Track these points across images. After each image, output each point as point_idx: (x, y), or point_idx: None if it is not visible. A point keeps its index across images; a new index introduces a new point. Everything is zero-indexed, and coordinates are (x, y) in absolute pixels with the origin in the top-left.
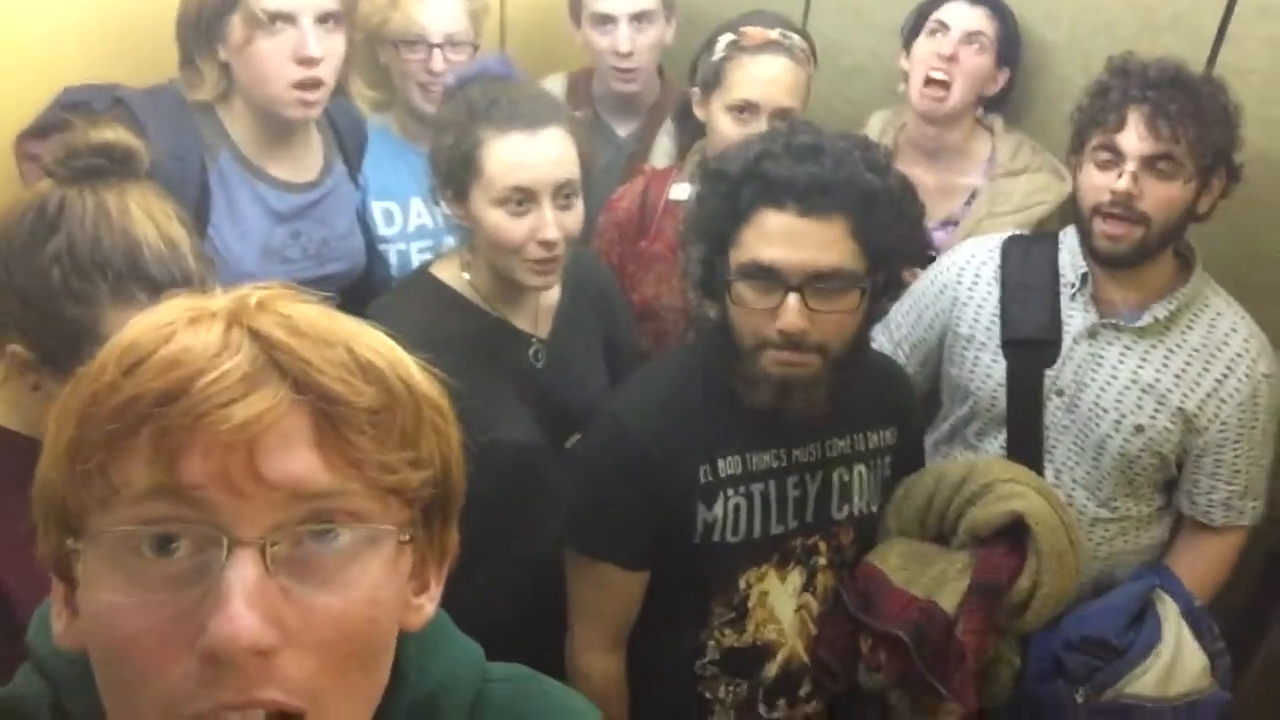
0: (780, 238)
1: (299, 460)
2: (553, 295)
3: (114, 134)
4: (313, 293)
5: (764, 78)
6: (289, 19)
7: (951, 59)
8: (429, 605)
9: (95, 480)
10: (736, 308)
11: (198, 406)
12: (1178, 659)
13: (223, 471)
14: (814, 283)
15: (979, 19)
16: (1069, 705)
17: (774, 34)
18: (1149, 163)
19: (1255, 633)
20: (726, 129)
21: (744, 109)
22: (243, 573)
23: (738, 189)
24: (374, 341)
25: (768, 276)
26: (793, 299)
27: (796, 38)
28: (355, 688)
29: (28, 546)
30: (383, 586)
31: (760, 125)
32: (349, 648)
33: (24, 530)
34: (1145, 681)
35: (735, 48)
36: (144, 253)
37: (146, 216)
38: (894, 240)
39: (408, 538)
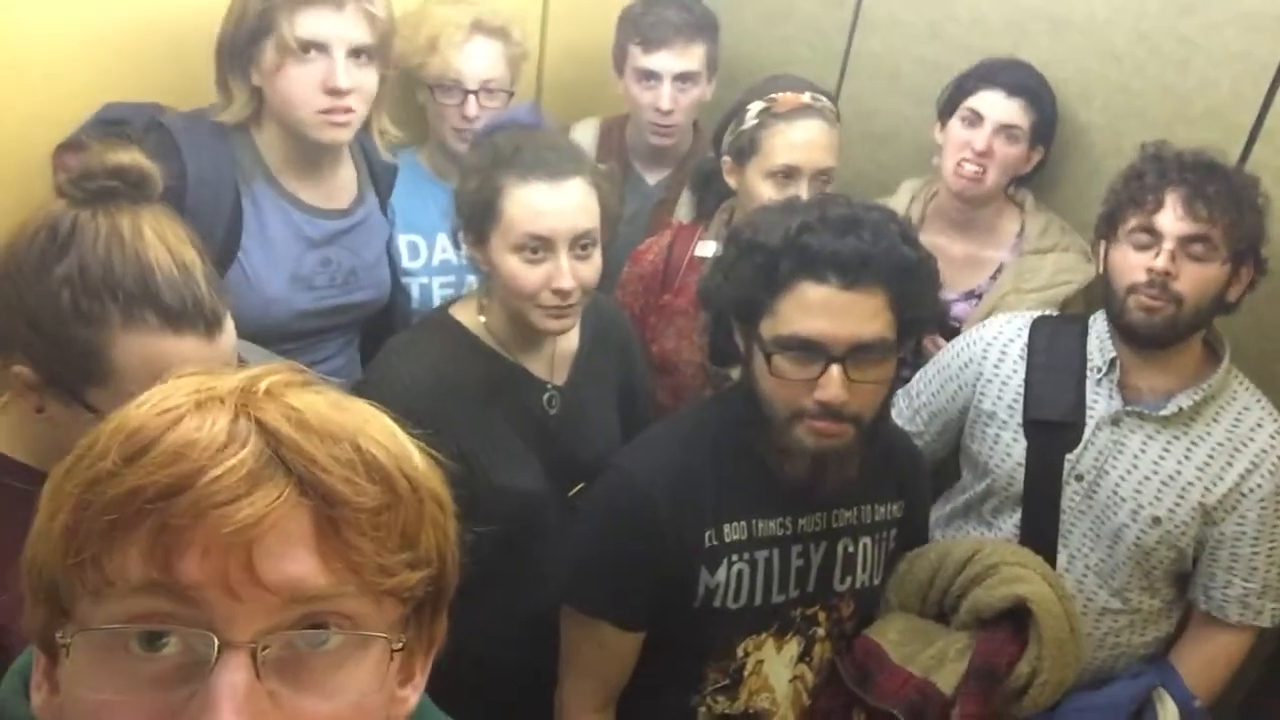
0: (822, 310)
1: (298, 563)
2: (571, 343)
3: (129, 157)
4: (323, 379)
5: (803, 142)
6: (322, 48)
7: (985, 154)
8: (414, 696)
9: (88, 571)
10: (773, 379)
11: (200, 504)
12: None
13: (220, 572)
14: (856, 354)
15: (1014, 112)
16: None
17: (805, 97)
18: (1185, 244)
19: None
20: (767, 194)
21: (786, 174)
22: (232, 678)
23: (775, 261)
24: (380, 435)
25: (809, 349)
26: (835, 370)
27: (825, 99)
28: None
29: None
30: (371, 691)
31: (802, 188)
32: None
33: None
34: None
35: (769, 115)
36: (156, 276)
37: (159, 240)
38: (926, 309)
39: (400, 645)
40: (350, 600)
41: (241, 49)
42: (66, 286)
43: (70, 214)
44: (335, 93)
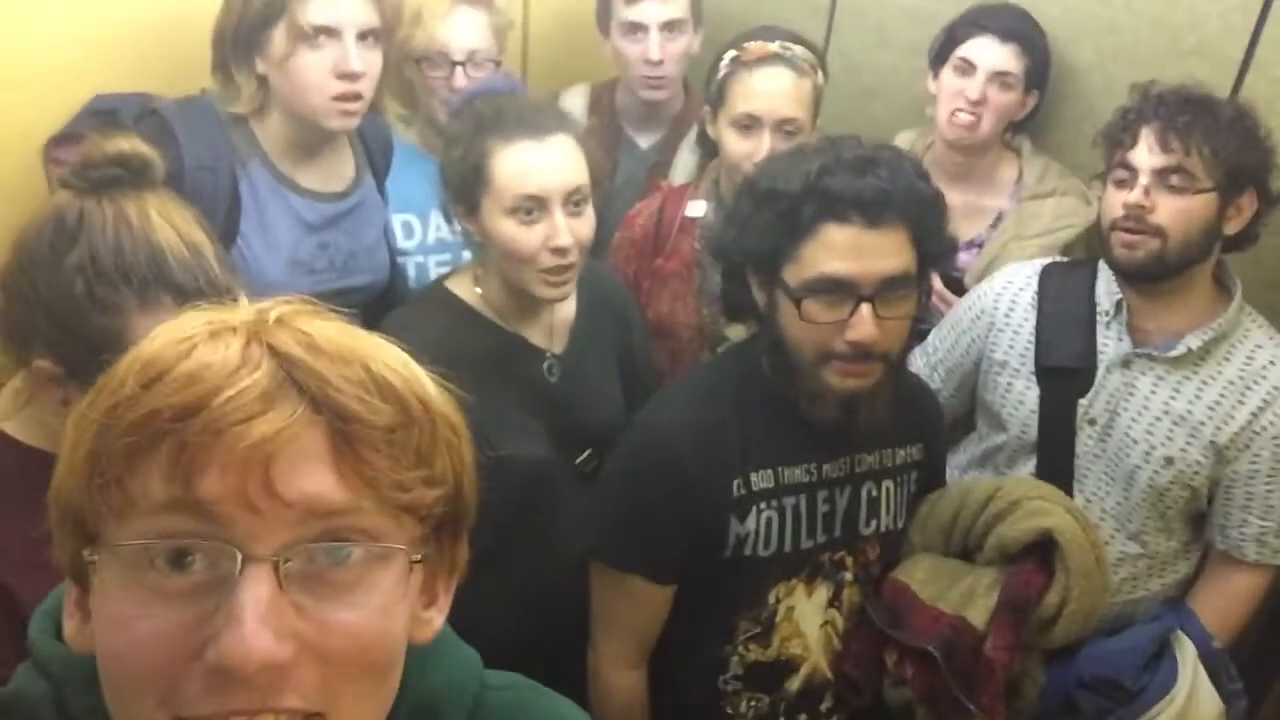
0: (848, 250)
1: (314, 478)
2: (568, 310)
3: (129, 144)
4: (333, 309)
5: (765, 90)
6: (332, 33)
7: (979, 102)
8: (438, 618)
9: (112, 492)
10: (802, 324)
11: (216, 422)
12: (1192, 703)
13: (239, 488)
14: (883, 291)
15: (1007, 58)
16: None
17: (774, 46)
18: (1161, 177)
19: (1269, 669)
20: (732, 144)
21: (746, 123)
22: (256, 589)
23: (797, 206)
24: (391, 359)
25: (838, 289)
26: (865, 309)
27: (799, 49)
28: (369, 695)
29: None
30: (394, 602)
31: (764, 139)
32: (363, 659)
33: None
34: None
35: (737, 63)
36: (168, 258)
37: (167, 223)
38: (943, 242)
39: (419, 558)
40: (368, 515)
41: (246, 38)
42: (80, 275)
43: (76, 204)
44: (349, 77)
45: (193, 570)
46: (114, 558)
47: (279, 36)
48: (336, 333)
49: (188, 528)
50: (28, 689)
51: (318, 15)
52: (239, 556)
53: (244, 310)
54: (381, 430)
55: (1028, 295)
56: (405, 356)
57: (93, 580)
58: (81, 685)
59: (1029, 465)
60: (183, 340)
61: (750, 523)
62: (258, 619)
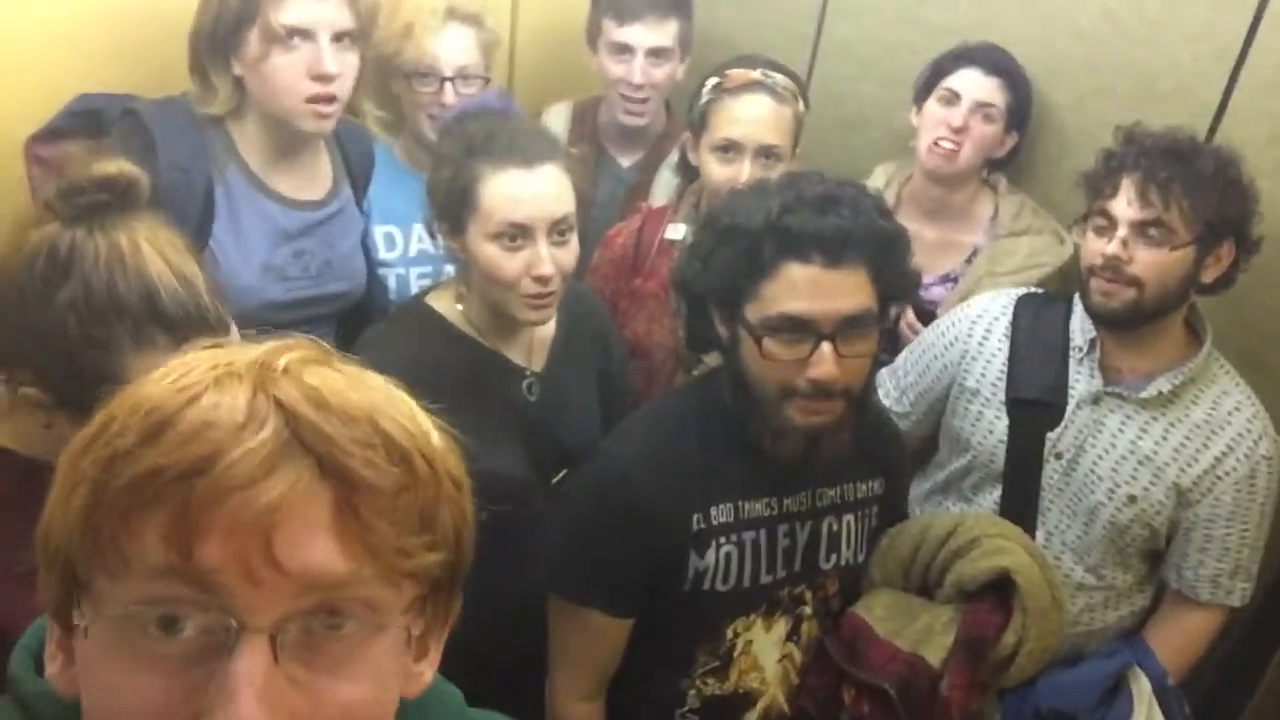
0: (808, 290)
1: (317, 549)
2: (548, 329)
3: (116, 167)
4: (341, 355)
5: (745, 117)
6: (306, 35)
7: (961, 130)
8: (428, 672)
9: (107, 551)
10: (763, 361)
11: (219, 486)
12: None
13: (240, 557)
14: (844, 330)
15: (991, 91)
16: None
17: (755, 74)
18: (1140, 229)
19: (1226, 709)
20: (713, 170)
21: (727, 148)
22: (252, 663)
23: (758, 244)
24: (398, 414)
25: (798, 328)
26: (826, 348)
27: (780, 77)
28: None
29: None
30: (389, 673)
31: (745, 164)
32: None
33: (19, 554)
34: None
35: (719, 90)
36: (161, 294)
37: (158, 254)
38: (904, 280)
39: (418, 632)
40: (368, 585)
41: (222, 40)
42: (72, 312)
43: (67, 235)
44: (322, 79)
45: (185, 636)
46: (103, 620)
47: (253, 38)
48: (345, 386)
49: (183, 594)
50: None
51: (291, 16)
52: (235, 627)
53: (250, 352)
54: (387, 495)
55: (1002, 325)
56: (412, 406)
57: (80, 637)
58: None
59: (995, 494)
60: (187, 387)
61: (709, 557)
62: (253, 696)
